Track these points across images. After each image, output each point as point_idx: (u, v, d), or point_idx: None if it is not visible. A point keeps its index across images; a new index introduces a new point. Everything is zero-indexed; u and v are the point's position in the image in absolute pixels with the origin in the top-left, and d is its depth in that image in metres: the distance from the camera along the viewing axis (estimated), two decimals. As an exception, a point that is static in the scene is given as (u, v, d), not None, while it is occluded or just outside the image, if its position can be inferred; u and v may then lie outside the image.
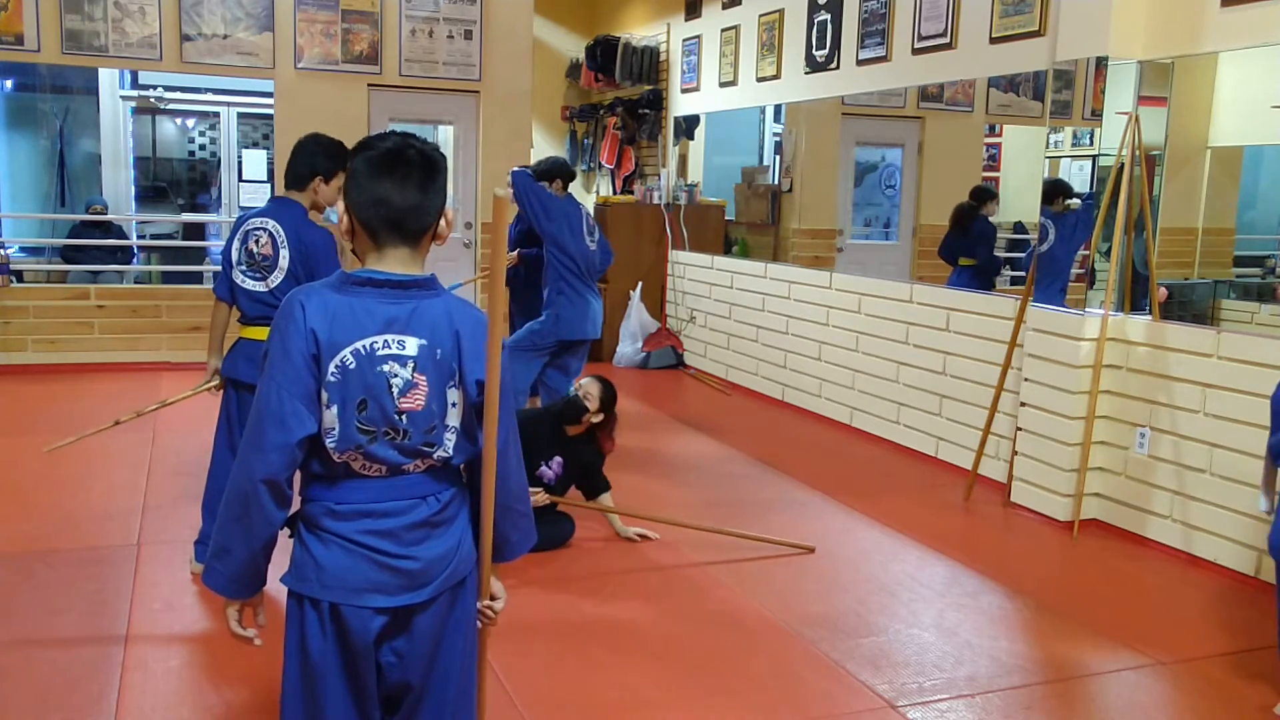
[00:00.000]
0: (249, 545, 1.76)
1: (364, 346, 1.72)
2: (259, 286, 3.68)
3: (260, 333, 3.68)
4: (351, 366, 1.72)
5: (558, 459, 4.14)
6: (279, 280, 3.65)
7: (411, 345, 1.74)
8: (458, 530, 1.86)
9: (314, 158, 3.76)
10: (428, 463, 1.80)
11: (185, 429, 5.76)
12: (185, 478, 4.78)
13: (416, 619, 1.81)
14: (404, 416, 1.75)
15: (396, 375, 1.73)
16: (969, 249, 6.24)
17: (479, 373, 1.79)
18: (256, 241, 3.67)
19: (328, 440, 1.74)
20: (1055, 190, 5.14)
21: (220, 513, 1.77)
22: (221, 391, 3.83)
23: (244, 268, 3.69)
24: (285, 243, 3.65)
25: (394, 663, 1.83)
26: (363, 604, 1.77)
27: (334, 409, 1.72)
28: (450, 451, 1.80)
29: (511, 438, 1.90)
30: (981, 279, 6.15)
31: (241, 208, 9.32)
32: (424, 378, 1.75)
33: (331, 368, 1.71)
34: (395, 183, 1.75)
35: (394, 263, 1.78)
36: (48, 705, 2.88)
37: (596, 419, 4.19)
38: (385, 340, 1.73)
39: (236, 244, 3.71)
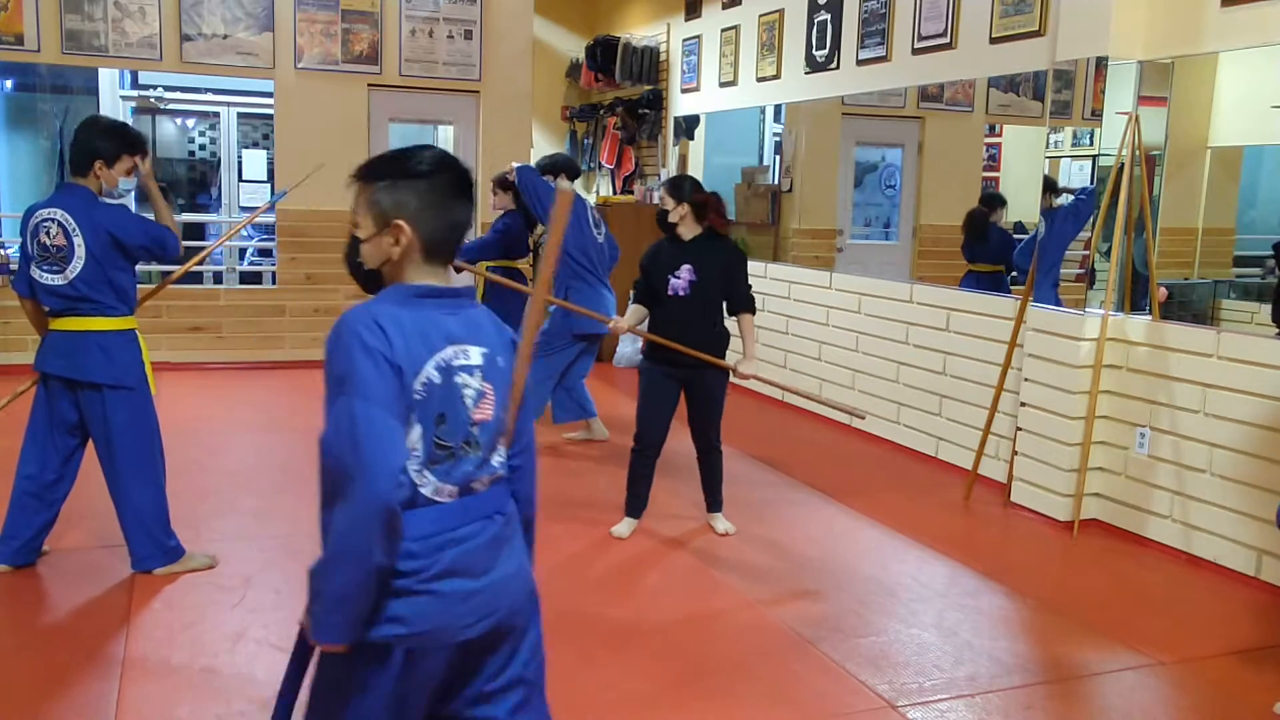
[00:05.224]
0: (368, 586, 1.61)
1: (443, 359, 1.69)
2: (57, 279, 3.57)
3: (66, 324, 3.62)
4: (437, 382, 1.67)
5: (686, 266, 4.18)
6: (79, 270, 3.56)
7: (475, 355, 1.73)
8: (520, 545, 1.85)
9: (93, 142, 3.63)
10: (493, 478, 1.78)
11: (185, 428, 5.76)
12: (185, 477, 4.77)
13: (495, 639, 1.79)
14: (477, 428, 1.72)
15: (468, 386, 1.71)
16: (992, 256, 6.21)
17: (525, 379, 1.82)
18: (47, 233, 3.56)
19: (410, 463, 1.66)
20: (1044, 188, 5.22)
21: (329, 562, 1.61)
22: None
23: (38, 261, 3.58)
24: (77, 230, 3.55)
25: (490, 688, 1.80)
26: (441, 644, 1.70)
27: (419, 427, 1.66)
28: (504, 456, 1.81)
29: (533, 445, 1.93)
30: (1001, 284, 6.11)
31: (242, 208, 9.33)
32: (490, 386, 1.74)
33: (417, 385, 1.65)
34: (469, 205, 1.77)
35: (438, 277, 1.77)
36: (47, 705, 2.88)
37: (680, 212, 4.22)
38: (455, 351, 1.70)
39: (28, 238, 3.60)
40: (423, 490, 1.67)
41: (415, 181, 1.72)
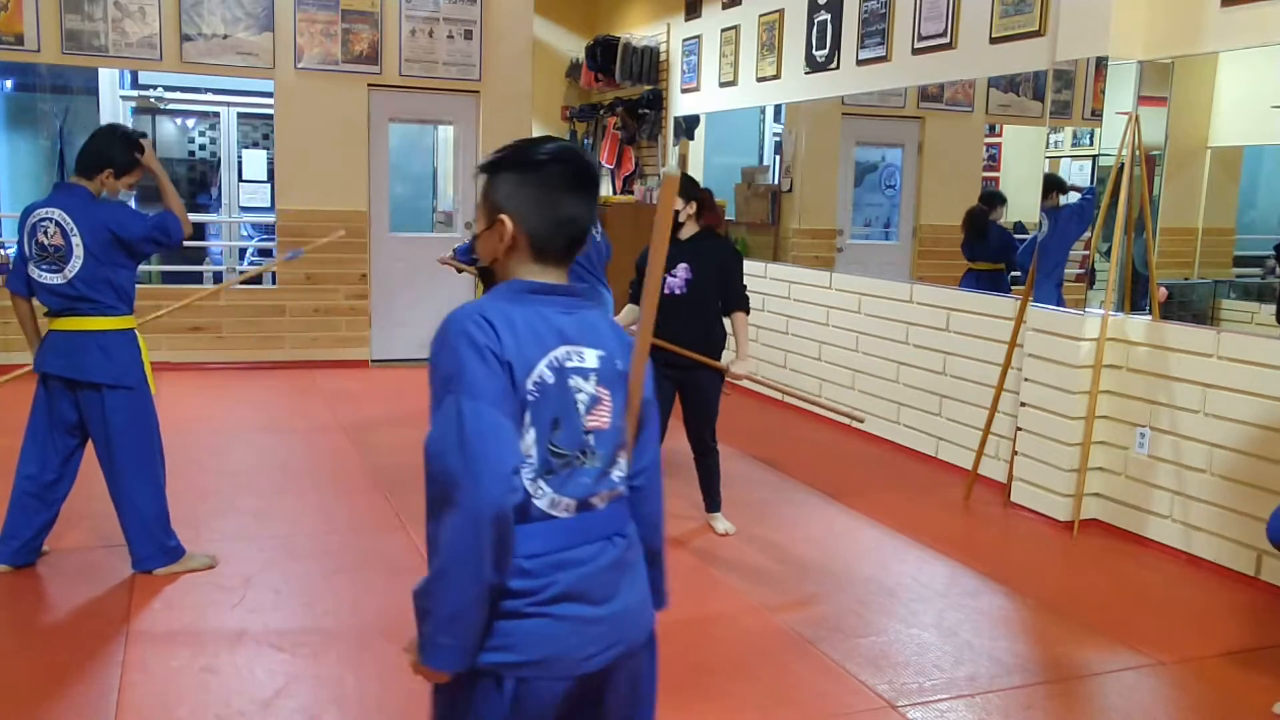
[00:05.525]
0: (482, 603, 1.48)
1: (555, 359, 1.55)
2: (55, 279, 3.59)
3: (65, 324, 3.63)
4: (550, 382, 1.54)
5: (682, 266, 4.20)
6: (77, 269, 3.57)
7: (591, 357, 1.59)
8: (643, 574, 1.70)
9: (110, 150, 3.66)
10: (613, 494, 1.63)
11: (185, 428, 5.76)
12: (185, 477, 4.77)
13: (614, 676, 1.62)
14: (591, 436, 1.58)
15: (581, 390, 1.57)
16: (992, 255, 6.22)
17: (649, 391, 1.69)
18: (45, 233, 3.58)
19: (524, 470, 1.52)
20: (1048, 185, 5.21)
21: (437, 578, 1.47)
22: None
23: (37, 260, 3.60)
24: (75, 229, 3.57)
25: None
26: (556, 675, 1.54)
27: (533, 431, 1.53)
28: (625, 472, 1.66)
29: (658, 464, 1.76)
30: (1001, 283, 6.12)
31: (242, 208, 9.33)
32: (607, 392, 1.60)
33: (529, 384, 1.53)
34: (584, 201, 1.62)
35: (551, 277, 1.63)
36: (47, 705, 2.88)
37: (689, 210, 4.25)
38: (568, 352, 1.57)
39: (26, 238, 3.62)
40: (538, 502, 1.53)
41: (524, 174, 1.60)
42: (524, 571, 1.51)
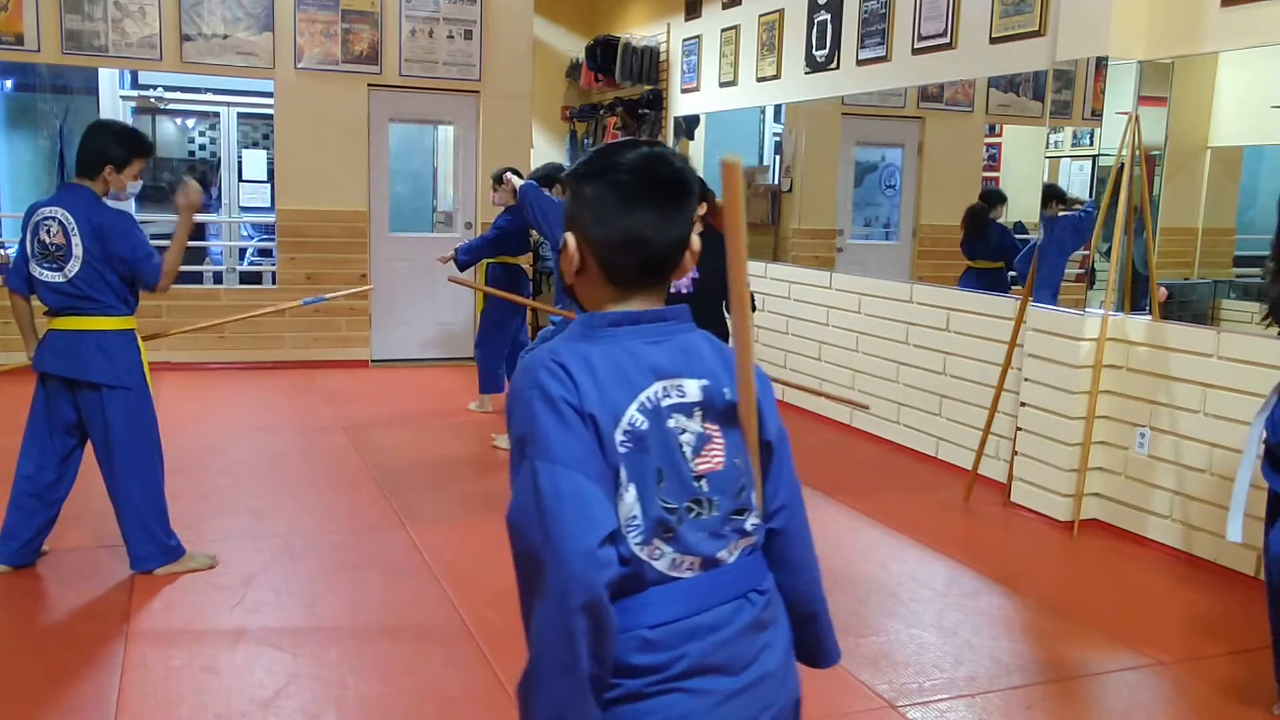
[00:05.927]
0: (584, 700, 1.28)
1: (648, 399, 1.35)
2: (56, 277, 3.61)
3: (65, 324, 3.63)
4: (644, 428, 1.33)
5: None
6: (76, 269, 3.59)
7: (692, 389, 1.38)
8: (786, 633, 1.49)
9: (104, 146, 3.67)
10: (744, 543, 1.42)
11: (185, 428, 5.77)
12: (185, 477, 4.77)
13: None
14: (703, 482, 1.37)
15: (685, 430, 1.37)
16: (992, 253, 6.21)
17: (775, 419, 1.50)
18: (48, 231, 3.60)
19: (630, 535, 1.32)
20: (1048, 195, 5.21)
21: (531, 674, 1.31)
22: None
23: (38, 258, 3.62)
24: (76, 230, 3.58)
25: None
26: None
27: (633, 488, 1.32)
28: (758, 516, 1.46)
29: (798, 504, 1.55)
30: (1001, 282, 6.11)
31: (243, 208, 9.33)
32: (717, 427, 1.39)
33: (619, 436, 1.32)
34: (660, 215, 1.40)
35: (634, 303, 1.42)
36: (47, 705, 2.88)
37: (703, 210, 4.19)
38: (664, 388, 1.36)
39: (29, 235, 3.64)
40: (657, 564, 1.34)
41: (593, 185, 1.40)
42: (649, 644, 1.33)
